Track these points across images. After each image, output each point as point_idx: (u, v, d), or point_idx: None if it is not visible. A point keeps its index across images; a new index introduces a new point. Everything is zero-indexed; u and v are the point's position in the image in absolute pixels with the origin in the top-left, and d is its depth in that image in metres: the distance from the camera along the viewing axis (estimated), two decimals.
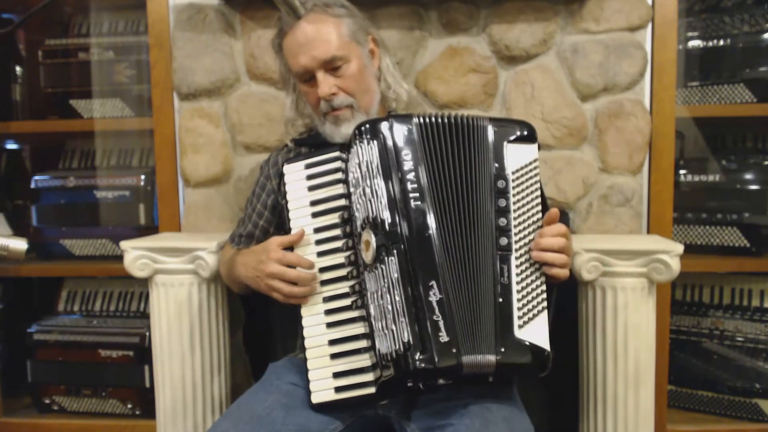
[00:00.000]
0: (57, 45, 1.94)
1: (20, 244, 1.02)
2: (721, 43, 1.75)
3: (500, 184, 1.08)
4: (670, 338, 1.71)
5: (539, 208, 1.11)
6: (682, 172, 1.76)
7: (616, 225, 1.65)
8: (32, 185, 1.93)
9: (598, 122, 1.65)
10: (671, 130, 1.64)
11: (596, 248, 1.41)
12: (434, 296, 0.99)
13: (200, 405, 1.54)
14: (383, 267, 1.02)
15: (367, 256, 1.04)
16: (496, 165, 1.09)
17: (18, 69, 2.10)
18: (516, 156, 1.11)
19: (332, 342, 1.10)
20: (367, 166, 1.06)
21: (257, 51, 1.69)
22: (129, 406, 1.84)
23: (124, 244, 1.51)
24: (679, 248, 1.38)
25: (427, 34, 1.67)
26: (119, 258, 1.55)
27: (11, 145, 2.23)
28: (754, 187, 1.72)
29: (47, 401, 1.88)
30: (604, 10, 1.62)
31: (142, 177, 1.87)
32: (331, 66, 1.23)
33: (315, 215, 1.14)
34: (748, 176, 1.72)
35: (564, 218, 1.67)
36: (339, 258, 1.12)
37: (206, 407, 1.55)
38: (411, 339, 0.97)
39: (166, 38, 1.71)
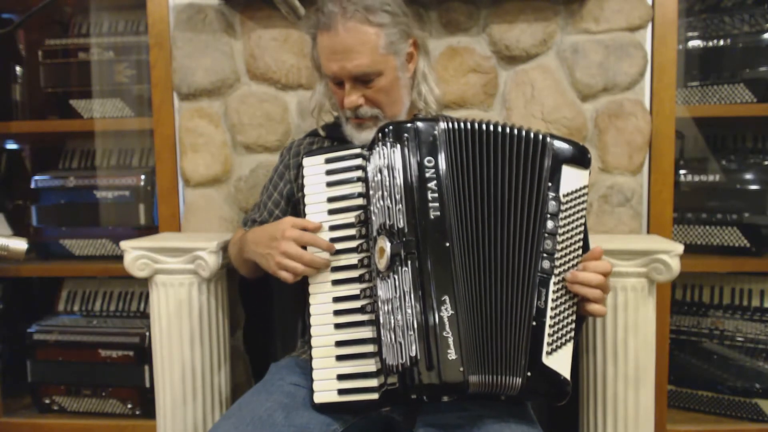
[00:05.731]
0: (57, 45, 1.94)
1: (20, 244, 1.01)
2: (721, 43, 1.75)
3: (551, 205, 1.04)
4: (670, 338, 1.71)
5: (582, 236, 1.07)
6: (682, 172, 1.76)
7: (616, 225, 1.65)
8: (32, 185, 1.93)
9: (598, 122, 1.65)
10: (671, 130, 1.64)
11: None
12: (446, 312, 0.97)
13: (200, 405, 1.54)
14: (396, 276, 0.99)
15: (381, 263, 1.01)
16: (550, 184, 1.04)
17: (18, 69, 2.10)
18: (569, 179, 1.06)
19: (339, 343, 1.08)
20: (388, 171, 1.02)
21: (257, 51, 1.69)
22: (129, 406, 1.84)
23: (124, 244, 1.51)
24: (679, 248, 1.39)
25: (426, 34, 1.67)
26: (119, 258, 1.55)
27: (11, 145, 2.23)
28: (754, 187, 1.72)
29: (47, 401, 1.88)
30: (604, 10, 1.62)
31: (142, 177, 1.87)
32: (362, 79, 1.21)
33: (331, 212, 1.12)
34: (748, 176, 1.73)
35: None
36: (352, 259, 1.09)
37: (206, 407, 1.55)
38: (418, 353, 0.95)
39: (166, 38, 1.71)
